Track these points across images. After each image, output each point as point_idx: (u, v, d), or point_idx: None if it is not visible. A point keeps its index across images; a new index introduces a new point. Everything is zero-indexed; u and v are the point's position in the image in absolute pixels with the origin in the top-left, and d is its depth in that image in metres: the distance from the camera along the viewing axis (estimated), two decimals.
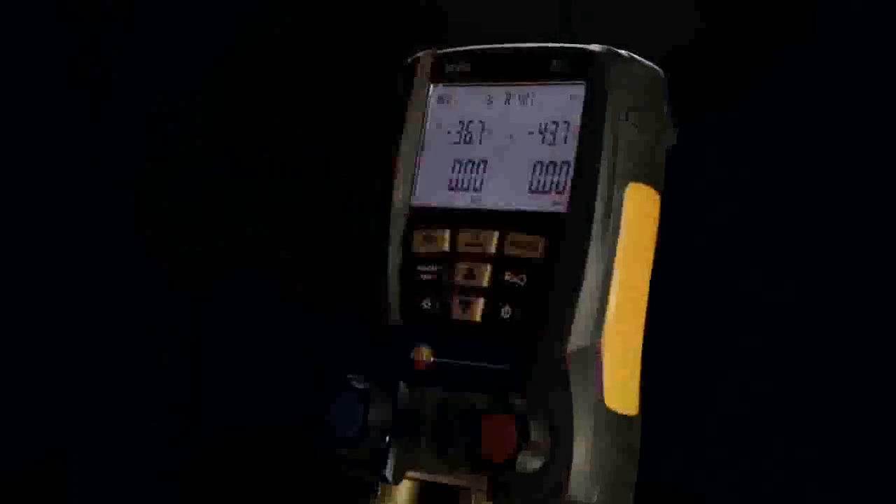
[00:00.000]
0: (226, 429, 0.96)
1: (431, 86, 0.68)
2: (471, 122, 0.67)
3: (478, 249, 0.65)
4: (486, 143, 0.67)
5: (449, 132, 0.68)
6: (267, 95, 0.97)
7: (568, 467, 0.61)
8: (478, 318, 0.64)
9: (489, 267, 0.65)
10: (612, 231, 0.63)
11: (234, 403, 0.96)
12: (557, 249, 0.63)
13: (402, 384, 0.65)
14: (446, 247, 0.66)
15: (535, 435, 0.61)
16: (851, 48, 0.80)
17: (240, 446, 0.95)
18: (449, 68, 0.68)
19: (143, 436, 0.97)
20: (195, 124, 0.98)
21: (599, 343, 0.63)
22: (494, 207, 0.66)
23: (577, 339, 0.62)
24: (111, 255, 1.00)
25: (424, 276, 0.66)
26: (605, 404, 0.63)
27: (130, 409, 0.98)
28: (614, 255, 0.63)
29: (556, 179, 0.65)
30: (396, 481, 0.65)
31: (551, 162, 0.65)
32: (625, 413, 0.64)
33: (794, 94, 0.82)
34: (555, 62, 0.65)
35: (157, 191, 0.99)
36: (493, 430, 0.60)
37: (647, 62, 0.65)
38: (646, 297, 0.65)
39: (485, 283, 0.65)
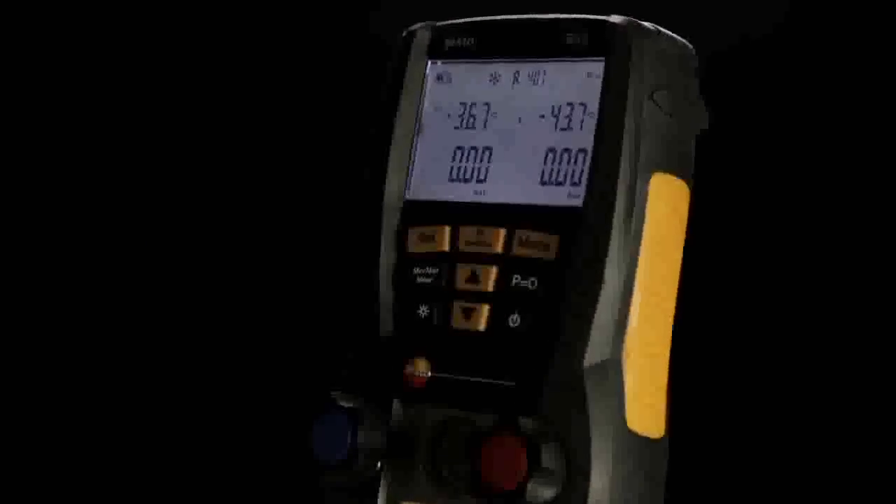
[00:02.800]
0: (199, 451, 0.97)
1: (429, 63, 0.66)
2: (474, 104, 0.65)
3: (482, 249, 0.62)
4: (491, 128, 0.64)
5: (449, 115, 0.65)
6: (244, 76, 0.98)
7: (585, 497, 0.58)
8: (482, 327, 0.62)
9: (495, 269, 0.62)
10: (634, 228, 0.60)
11: (208, 423, 0.97)
12: (573, 249, 0.60)
13: (395, 402, 0.63)
14: (446, 246, 0.63)
15: (546, 461, 0.58)
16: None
17: (212, 477, 0.96)
18: (449, 43, 0.66)
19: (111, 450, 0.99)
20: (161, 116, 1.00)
21: (621, 356, 0.60)
22: (501, 201, 0.63)
23: (595, 351, 0.60)
24: (85, 258, 1.01)
25: (421, 280, 0.63)
26: (627, 426, 0.60)
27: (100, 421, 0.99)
28: (637, 255, 0.60)
29: (571, 169, 0.62)
30: None
31: (566, 149, 0.62)
32: (649, 436, 0.61)
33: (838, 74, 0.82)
34: (570, 35, 0.63)
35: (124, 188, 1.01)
36: (499, 455, 0.57)
37: (674, 36, 0.63)
38: (673, 304, 0.63)
39: (490, 288, 0.62)
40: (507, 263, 0.62)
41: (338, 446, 0.61)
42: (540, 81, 0.63)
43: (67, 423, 1.01)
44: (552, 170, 0.62)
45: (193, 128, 1.00)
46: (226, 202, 0.98)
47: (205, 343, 0.98)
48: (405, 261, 0.64)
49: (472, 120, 0.65)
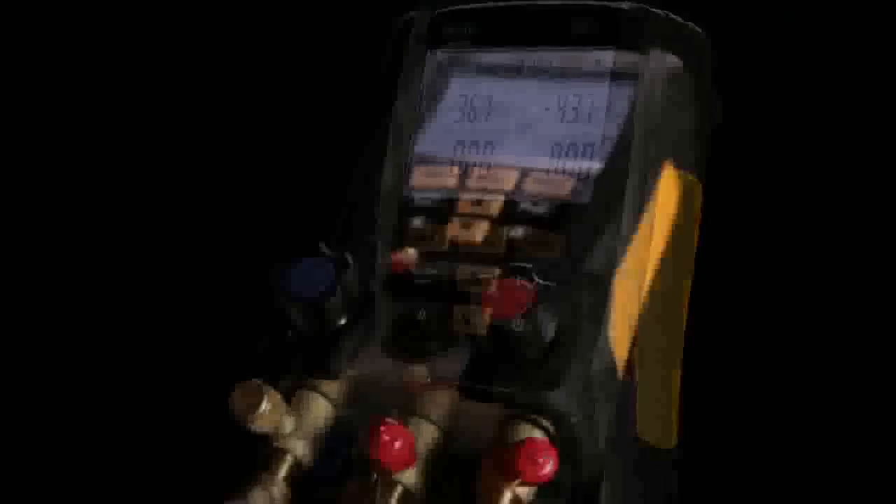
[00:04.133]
0: (192, 456, 0.94)
1: (428, 52, 0.66)
2: (475, 95, 0.65)
3: (483, 248, 0.62)
4: (493, 121, 0.64)
5: (450, 108, 0.65)
6: (236, 70, 0.97)
7: None
8: (483, 330, 0.60)
9: (497, 269, 0.61)
10: (644, 227, 0.60)
11: (200, 427, 0.92)
12: (579, 248, 0.60)
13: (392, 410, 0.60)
14: (446, 245, 0.63)
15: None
16: None
17: (202, 485, 0.92)
18: (449, 31, 0.66)
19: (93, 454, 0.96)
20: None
21: (630, 361, 0.60)
22: (503, 198, 0.62)
23: (603, 356, 0.59)
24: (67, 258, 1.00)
25: (419, 280, 0.62)
26: (637, 434, 0.60)
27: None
28: (647, 256, 0.61)
29: (577, 165, 0.62)
30: None
31: (572, 144, 0.62)
32: (660, 445, 0.61)
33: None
34: (577, 23, 0.64)
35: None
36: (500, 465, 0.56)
37: (687, 23, 0.63)
38: (685, 305, 0.64)
39: (492, 289, 0.59)
40: (509, 263, 0.60)
41: (331, 459, 0.59)
42: (545, 72, 0.63)
43: (49, 425, 0.98)
44: (558, 165, 0.62)
45: (190, 126, 0.99)
46: (219, 198, 0.97)
47: (196, 343, 0.95)
48: None
49: (473, 113, 0.65)
